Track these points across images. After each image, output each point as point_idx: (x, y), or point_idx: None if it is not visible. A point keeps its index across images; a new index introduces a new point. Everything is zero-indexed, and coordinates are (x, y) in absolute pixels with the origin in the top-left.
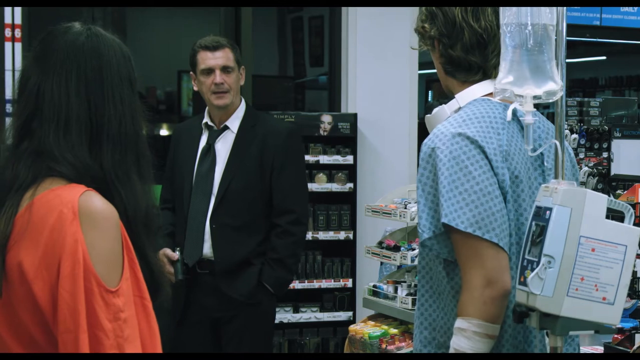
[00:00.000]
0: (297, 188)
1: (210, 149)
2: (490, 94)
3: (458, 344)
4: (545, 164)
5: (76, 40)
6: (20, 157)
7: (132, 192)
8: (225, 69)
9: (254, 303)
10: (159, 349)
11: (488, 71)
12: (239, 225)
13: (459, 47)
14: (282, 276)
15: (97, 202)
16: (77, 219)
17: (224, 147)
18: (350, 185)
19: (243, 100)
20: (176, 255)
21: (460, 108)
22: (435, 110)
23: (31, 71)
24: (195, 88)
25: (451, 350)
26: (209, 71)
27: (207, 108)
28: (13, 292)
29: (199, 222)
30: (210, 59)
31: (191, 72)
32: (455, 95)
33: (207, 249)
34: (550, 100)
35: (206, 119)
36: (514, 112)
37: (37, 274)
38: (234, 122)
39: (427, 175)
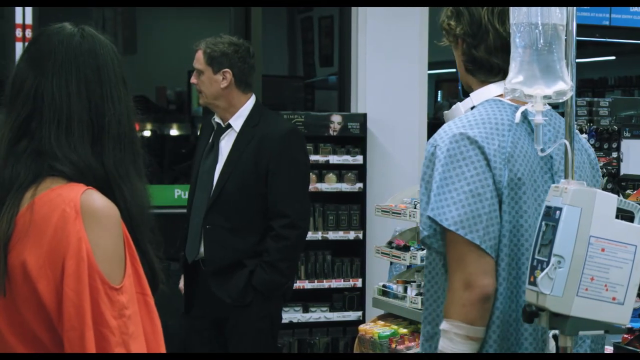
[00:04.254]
0: (292, 191)
1: (214, 146)
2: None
3: (442, 345)
4: (557, 166)
5: (72, 42)
6: (19, 156)
7: (133, 190)
8: (196, 71)
9: (244, 305)
10: (162, 345)
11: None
12: (231, 227)
13: (482, 48)
14: (273, 279)
15: (98, 200)
16: (80, 217)
17: (226, 146)
18: (360, 185)
19: (252, 100)
20: (183, 289)
21: (474, 107)
22: (453, 107)
23: (27, 73)
24: None
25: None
26: None
27: None
28: (16, 291)
29: (198, 220)
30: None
31: None
32: (471, 94)
33: (202, 248)
34: (560, 100)
35: (215, 116)
36: (525, 114)
37: (41, 272)
38: (237, 121)
39: (429, 174)
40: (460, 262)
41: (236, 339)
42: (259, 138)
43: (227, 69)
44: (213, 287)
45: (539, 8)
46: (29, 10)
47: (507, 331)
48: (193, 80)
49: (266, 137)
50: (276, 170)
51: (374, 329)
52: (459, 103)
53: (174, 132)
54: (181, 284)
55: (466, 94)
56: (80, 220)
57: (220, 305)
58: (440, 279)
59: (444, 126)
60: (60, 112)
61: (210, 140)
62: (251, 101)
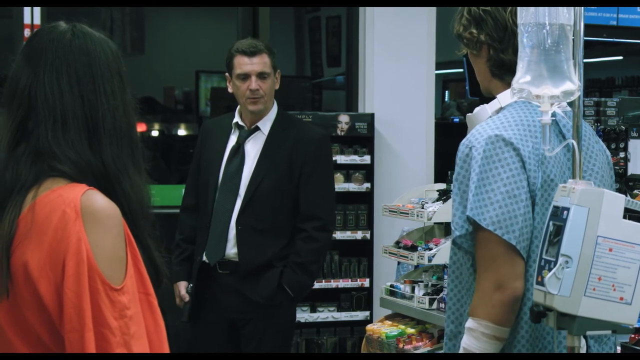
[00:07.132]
0: (325, 195)
1: (239, 148)
2: None
3: (467, 343)
4: (587, 165)
5: (62, 39)
6: (20, 158)
7: (132, 184)
8: (261, 75)
9: (274, 305)
10: (165, 345)
11: None
12: (264, 228)
13: (510, 51)
14: (303, 280)
15: (99, 200)
16: (80, 218)
17: (253, 148)
18: (368, 185)
19: (275, 103)
20: (187, 296)
21: (501, 108)
22: (476, 109)
23: (21, 73)
24: (230, 90)
25: (460, 349)
26: (245, 77)
27: (238, 107)
28: (19, 292)
29: (224, 221)
30: (247, 64)
31: (227, 74)
32: (497, 96)
33: (230, 250)
34: (568, 100)
35: (237, 119)
36: (553, 115)
37: (42, 274)
38: (266, 124)
39: (463, 174)
40: (493, 262)
41: (258, 339)
42: (293, 141)
43: (278, 71)
44: (244, 288)
45: (546, 8)
46: (37, 10)
47: (538, 333)
48: (256, 85)
49: (301, 140)
50: (311, 174)
51: (382, 328)
52: (485, 105)
53: (181, 132)
54: (183, 291)
55: (473, 95)
56: (80, 221)
57: (241, 306)
58: (468, 278)
59: (478, 127)
60: (54, 110)
61: (235, 143)
62: (276, 105)
